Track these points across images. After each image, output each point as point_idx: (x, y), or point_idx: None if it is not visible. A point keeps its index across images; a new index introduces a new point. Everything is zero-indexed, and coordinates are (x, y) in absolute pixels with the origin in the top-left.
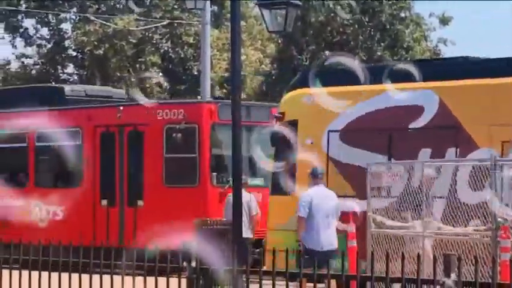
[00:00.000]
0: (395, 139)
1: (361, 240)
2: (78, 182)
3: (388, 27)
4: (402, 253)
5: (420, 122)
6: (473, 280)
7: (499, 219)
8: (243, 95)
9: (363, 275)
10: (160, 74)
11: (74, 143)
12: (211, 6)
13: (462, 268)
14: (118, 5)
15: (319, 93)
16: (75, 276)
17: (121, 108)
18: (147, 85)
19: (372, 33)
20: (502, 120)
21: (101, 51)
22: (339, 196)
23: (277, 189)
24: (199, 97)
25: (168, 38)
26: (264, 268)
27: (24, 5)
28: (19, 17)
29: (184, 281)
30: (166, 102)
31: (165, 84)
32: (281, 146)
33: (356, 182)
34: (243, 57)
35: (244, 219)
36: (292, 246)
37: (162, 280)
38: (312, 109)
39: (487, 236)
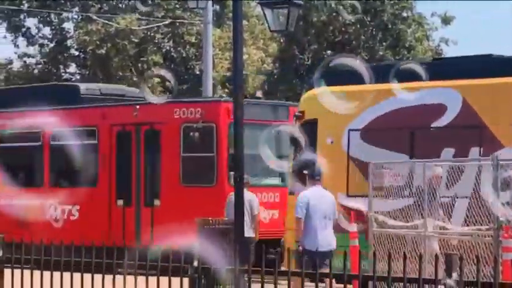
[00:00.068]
0: (417, 138)
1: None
2: (93, 182)
3: (390, 26)
4: (404, 253)
5: (443, 121)
6: (475, 280)
7: (501, 218)
8: (260, 95)
9: (365, 274)
10: (167, 71)
11: (89, 142)
12: (213, 6)
13: (464, 268)
14: (120, 5)
15: (341, 92)
16: (77, 275)
17: (138, 106)
18: (150, 84)
19: (374, 32)
20: None
21: (103, 51)
22: (360, 196)
23: (297, 188)
24: (216, 95)
25: (170, 38)
26: (283, 268)
27: (26, 5)
28: (21, 16)
29: (186, 281)
30: (183, 100)
31: (173, 81)
32: (300, 145)
33: None
34: (245, 57)
35: (246, 218)
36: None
37: (164, 280)
38: (332, 108)
39: (489, 235)
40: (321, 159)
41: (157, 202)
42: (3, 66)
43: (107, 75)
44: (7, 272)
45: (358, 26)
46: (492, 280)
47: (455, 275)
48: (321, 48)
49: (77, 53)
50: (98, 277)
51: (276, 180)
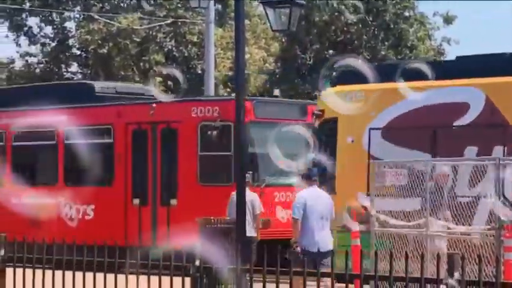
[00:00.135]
0: (439, 137)
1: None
2: (109, 181)
3: (392, 26)
4: (406, 252)
5: (465, 120)
6: (477, 279)
7: (503, 218)
8: (278, 93)
9: (367, 273)
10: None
11: (104, 140)
12: (215, 5)
13: (466, 267)
14: (121, 4)
15: (361, 90)
16: (79, 274)
17: (154, 105)
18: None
19: (376, 32)
20: None
21: (105, 50)
22: (379, 195)
23: None
24: (233, 94)
25: (172, 37)
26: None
27: (28, 4)
28: (23, 15)
29: (188, 280)
30: (201, 99)
31: (181, 79)
32: (320, 145)
33: None
34: (246, 56)
35: (248, 218)
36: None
37: (166, 279)
38: (352, 106)
39: (490, 235)
40: (341, 158)
41: (173, 201)
42: (5, 66)
43: (109, 75)
44: (9, 271)
45: (360, 25)
46: (494, 280)
47: (456, 275)
48: (323, 48)
49: (79, 52)
50: (100, 276)
51: (293, 179)
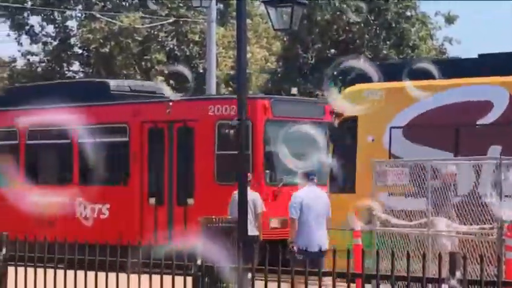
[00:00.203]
0: (462, 135)
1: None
2: (124, 180)
3: (394, 25)
4: (408, 252)
5: (489, 118)
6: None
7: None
8: (295, 92)
9: (369, 273)
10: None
11: (120, 139)
12: (216, 4)
13: (467, 266)
14: (123, 3)
15: (381, 88)
16: (80, 273)
17: (170, 103)
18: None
19: (378, 31)
20: None
21: (106, 49)
22: (401, 194)
23: (336, 187)
24: (250, 92)
25: (174, 36)
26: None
27: (30, 3)
28: (25, 14)
29: (189, 279)
30: (218, 97)
31: (190, 78)
32: (340, 143)
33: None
34: (248, 55)
35: (250, 217)
36: (350, 246)
37: (168, 278)
38: (372, 104)
39: (492, 234)
40: (362, 157)
41: (190, 201)
42: (7, 64)
43: (111, 74)
44: (11, 270)
45: (362, 25)
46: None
47: (458, 274)
48: (325, 47)
49: (80, 51)
50: (101, 275)
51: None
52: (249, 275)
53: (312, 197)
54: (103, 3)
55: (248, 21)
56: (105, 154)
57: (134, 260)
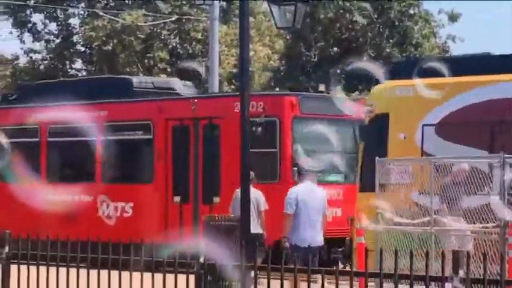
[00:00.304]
0: (497, 133)
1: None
2: (148, 178)
3: (397, 24)
4: (411, 250)
5: None
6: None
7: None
8: (323, 88)
9: (372, 271)
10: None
11: (143, 136)
12: (219, 2)
13: (471, 265)
14: (126, 1)
15: (413, 85)
16: (83, 271)
17: (196, 100)
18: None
19: (381, 30)
20: None
21: (109, 47)
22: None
23: (365, 186)
24: (277, 89)
25: (176, 34)
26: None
27: (32, 0)
28: (27, 12)
29: (192, 277)
30: None
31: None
32: (371, 141)
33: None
34: (251, 53)
35: (253, 215)
36: (392, 245)
37: (170, 276)
38: (404, 102)
39: (495, 233)
40: (393, 155)
41: (216, 199)
42: (10, 62)
43: (113, 71)
44: (13, 268)
45: (365, 23)
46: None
47: (461, 272)
48: (328, 45)
49: (83, 49)
50: (104, 273)
51: (338, 177)
52: (252, 273)
53: (308, 193)
54: (105, 1)
55: (251, 19)
56: (128, 152)
57: (137, 258)
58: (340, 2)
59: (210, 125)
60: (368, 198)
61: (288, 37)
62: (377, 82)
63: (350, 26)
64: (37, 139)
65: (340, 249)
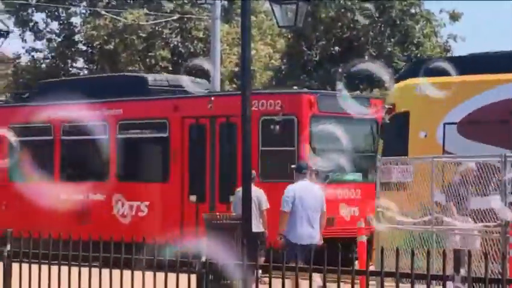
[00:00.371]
0: None
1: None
2: (164, 176)
3: (398, 23)
4: (412, 249)
5: None
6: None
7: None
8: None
9: (372, 270)
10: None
11: (159, 135)
12: (220, 1)
13: (472, 264)
14: (127, 0)
15: (434, 83)
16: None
17: (212, 98)
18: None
19: (382, 29)
20: None
21: (111, 46)
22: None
23: (387, 185)
24: (295, 87)
25: (178, 33)
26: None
27: None
28: (29, 11)
29: (193, 276)
30: (262, 92)
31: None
32: (391, 139)
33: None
34: (252, 52)
35: (255, 213)
36: (401, 245)
37: (172, 275)
38: (425, 100)
39: (496, 232)
40: (414, 153)
41: (232, 198)
42: (11, 61)
43: (115, 70)
44: (15, 266)
45: (367, 23)
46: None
47: (463, 271)
48: (329, 45)
49: (84, 48)
50: (106, 272)
51: (356, 176)
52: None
53: (305, 191)
54: (107, 0)
55: (252, 18)
56: (144, 150)
57: (138, 257)
58: (341, 1)
59: (227, 123)
60: (389, 197)
61: (289, 36)
62: (379, 82)
63: (351, 25)
64: (51, 137)
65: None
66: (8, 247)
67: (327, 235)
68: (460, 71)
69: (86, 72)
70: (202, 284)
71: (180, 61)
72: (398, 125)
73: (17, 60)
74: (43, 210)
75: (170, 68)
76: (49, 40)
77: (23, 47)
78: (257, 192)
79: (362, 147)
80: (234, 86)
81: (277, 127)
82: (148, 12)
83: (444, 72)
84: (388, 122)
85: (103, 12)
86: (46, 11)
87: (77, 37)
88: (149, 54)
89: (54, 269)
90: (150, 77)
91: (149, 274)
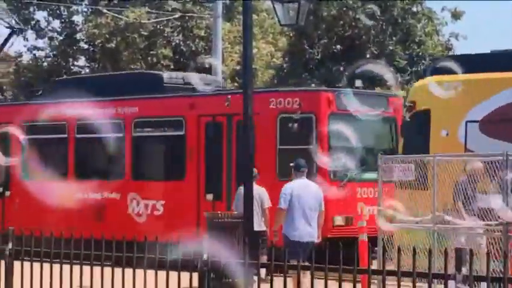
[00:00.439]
0: None
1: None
2: (180, 175)
3: (400, 21)
4: (414, 248)
5: None
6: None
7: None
8: (360, 84)
9: (374, 269)
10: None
11: (175, 133)
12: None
13: (473, 263)
14: None
15: (455, 81)
16: (86, 268)
17: (229, 96)
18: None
19: (384, 27)
20: None
21: (112, 44)
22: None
23: (407, 183)
24: (313, 85)
25: (180, 31)
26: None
27: None
28: (31, 9)
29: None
30: (280, 90)
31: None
32: (412, 137)
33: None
34: (254, 51)
35: (257, 211)
36: (419, 244)
37: (174, 274)
38: (447, 98)
39: (498, 230)
40: (435, 152)
41: None
42: (13, 59)
43: (117, 69)
44: (17, 264)
45: (370, 24)
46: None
47: (464, 270)
48: (331, 43)
49: (86, 46)
50: (107, 270)
51: (375, 175)
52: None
53: (303, 189)
54: None
55: (254, 16)
56: (159, 148)
57: (140, 255)
58: (343, 0)
59: None
60: (409, 196)
61: (291, 35)
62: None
63: (353, 24)
64: (65, 135)
65: (376, 248)
66: (10, 245)
67: (346, 234)
68: (481, 68)
69: (87, 70)
70: (204, 282)
71: (182, 59)
72: (418, 123)
73: (19, 59)
74: (56, 209)
75: (172, 67)
76: (51, 38)
77: (25, 46)
78: (259, 191)
79: (381, 145)
80: (236, 84)
81: (296, 125)
82: (149, 10)
83: (465, 70)
84: (408, 120)
85: (105, 11)
86: (48, 10)
87: (78, 35)
88: (151, 52)
89: (56, 267)
90: (166, 75)
91: (151, 272)
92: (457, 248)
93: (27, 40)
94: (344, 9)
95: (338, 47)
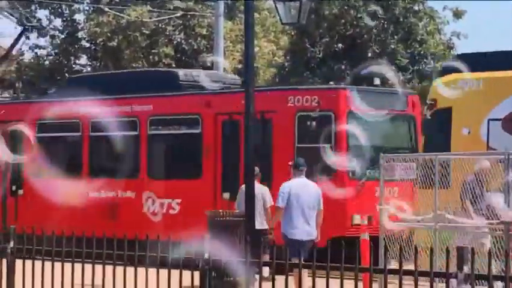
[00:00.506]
0: None
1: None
2: (196, 174)
3: (401, 20)
4: (415, 246)
5: None
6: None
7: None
8: (379, 82)
9: (376, 267)
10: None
11: (191, 131)
12: None
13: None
14: None
15: (477, 79)
16: (88, 266)
17: None
18: None
19: (385, 26)
20: None
21: (114, 43)
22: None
23: (428, 182)
24: (331, 82)
25: (181, 30)
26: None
27: None
28: (32, 7)
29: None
30: (298, 88)
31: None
32: (433, 136)
33: None
34: (256, 49)
35: (260, 210)
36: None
37: (175, 272)
38: (468, 96)
39: (499, 229)
40: (457, 150)
41: None
42: (14, 58)
43: (118, 67)
44: (18, 263)
45: (372, 24)
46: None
47: (466, 268)
48: (333, 42)
49: (88, 45)
50: (109, 268)
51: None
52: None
53: (302, 188)
54: None
55: (256, 15)
56: (175, 147)
57: (141, 254)
58: None
59: (262, 119)
60: (429, 195)
61: (292, 33)
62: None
63: (354, 23)
64: (79, 133)
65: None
66: (12, 244)
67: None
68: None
69: (89, 69)
70: (205, 281)
71: (184, 58)
72: (439, 122)
73: (20, 57)
74: (69, 208)
75: (174, 65)
76: (52, 37)
77: (26, 44)
78: (261, 189)
79: (400, 143)
80: None
81: (314, 123)
82: (151, 9)
83: (487, 67)
84: (429, 118)
85: (106, 9)
86: (49, 8)
87: (80, 34)
88: (153, 51)
89: (58, 265)
90: (181, 72)
91: (153, 271)
92: (458, 247)
93: (28, 38)
94: (346, 7)
95: (340, 45)
